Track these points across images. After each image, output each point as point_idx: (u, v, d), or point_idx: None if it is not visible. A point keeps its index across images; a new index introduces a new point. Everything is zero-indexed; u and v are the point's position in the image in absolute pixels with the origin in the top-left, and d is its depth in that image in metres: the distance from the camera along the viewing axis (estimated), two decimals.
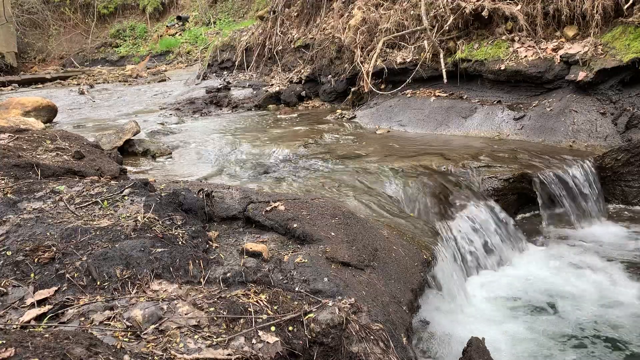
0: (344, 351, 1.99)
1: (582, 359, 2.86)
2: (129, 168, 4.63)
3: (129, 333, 1.75)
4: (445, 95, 7.06)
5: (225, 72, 11.78)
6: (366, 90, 7.75)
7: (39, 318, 1.83)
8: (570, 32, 6.06)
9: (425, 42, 7.15)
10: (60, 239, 2.26)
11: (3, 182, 2.86)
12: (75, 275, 2.06)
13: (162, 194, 2.78)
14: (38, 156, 3.41)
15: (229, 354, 1.71)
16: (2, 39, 19.28)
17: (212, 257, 2.42)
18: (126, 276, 2.09)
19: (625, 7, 5.56)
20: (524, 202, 4.72)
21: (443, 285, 3.24)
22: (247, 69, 11.26)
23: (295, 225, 2.79)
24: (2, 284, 1.98)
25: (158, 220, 2.51)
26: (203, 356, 1.67)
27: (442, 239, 3.60)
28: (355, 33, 8.08)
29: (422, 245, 3.29)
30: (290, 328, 1.95)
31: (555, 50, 5.99)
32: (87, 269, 2.09)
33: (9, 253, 2.15)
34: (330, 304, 2.10)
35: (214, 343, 1.75)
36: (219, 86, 10.47)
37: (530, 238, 4.40)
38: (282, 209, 2.94)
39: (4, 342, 1.44)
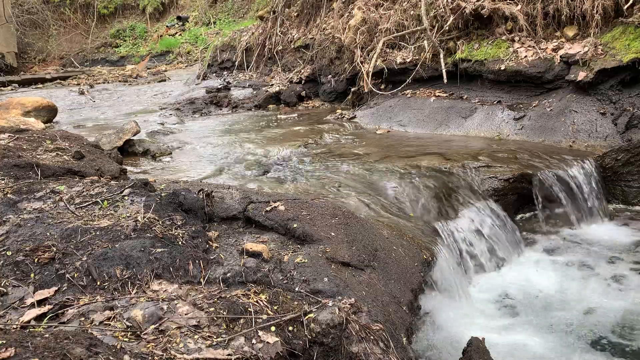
0: (344, 351, 1.99)
1: None
2: (129, 168, 4.63)
3: (129, 333, 1.75)
4: (445, 95, 7.06)
5: (225, 72, 11.78)
6: (366, 90, 7.75)
7: (39, 318, 1.83)
8: (570, 32, 6.06)
9: (425, 42, 7.15)
10: (60, 239, 2.26)
11: (3, 182, 2.86)
12: (75, 275, 2.06)
13: (162, 194, 2.77)
14: (38, 156, 3.41)
15: (229, 354, 1.71)
16: (2, 39, 19.29)
17: (212, 257, 2.42)
18: (126, 276, 2.09)
19: (625, 7, 5.56)
20: (524, 202, 4.72)
21: (443, 285, 3.24)
22: (247, 69, 11.26)
23: (295, 225, 2.79)
24: (2, 284, 1.98)
25: (158, 221, 2.51)
26: (203, 356, 1.67)
27: (442, 239, 3.60)
28: (355, 33, 8.08)
29: (422, 245, 3.29)
30: (290, 328, 1.95)
31: (555, 50, 5.99)
32: (87, 269, 2.09)
33: (9, 253, 2.15)
34: (330, 304, 2.10)
35: (214, 343, 1.75)
36: (219, 86, 10.47)
37: (530, 238, 4.40)
38: (282, 209, 2.94)
39: (4, 342, 1.44)
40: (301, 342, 1.93)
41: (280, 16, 10.56)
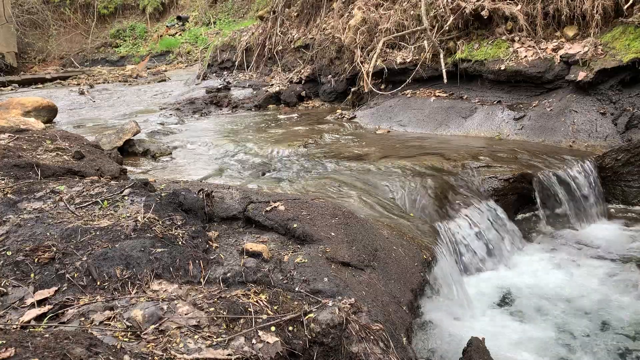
0: (344, 351, 1.98)
1: None
2: (129, 168, 4.63)
3: (129, 333, 1.75)
4: (445, 95, 7.06)
5: (225, 72, 11.78)
6: (366, 90, 7.75)
7: (39, 318, 1.82)
8: (570, 32, 6.06)
9: (425, 42, 7.15)
10: (60, 239, 2.26)
11: (3, 182, 2.86)
12: (75, 275, 2.06)
13: (162, 194, 2.77)
14: (38, 156, 3.41)
15: (229, 354, 1.71)
16: (2, 39, 19.29)
17: (212, 257, 2.42)
18: (126, 276, 2.09)
19: (625, 7, 5.56)
20: (524, 202, 4.72)
21: (442, 285, 3.24)
22: (247, 69, 11.26)
23: (295, 225, 2.79)
24: (2, 284, 1.98)
25: (158, 221, 2.51)
26: (203, 356, 1.67)
27: (441, 239, 3.60)
28: (355, 33, 8.08)
29: (422, 245, 3.29)
30: (290, 328, 1.95)
31: (555, 50, 5.99)
32: (87, 269, 2.09)
33: (9, 253, 2.15)
34: (330, 304, 2.10)
35: (214, 343, 1.75)
36: (219, 86, 10.47)
37: (529, 238, 4.40)
38: (282, 209, 2.94)
39: (4, 342, 1.44)
40: (301, 342, 1.93)
41: (280, 16, 10.56)
